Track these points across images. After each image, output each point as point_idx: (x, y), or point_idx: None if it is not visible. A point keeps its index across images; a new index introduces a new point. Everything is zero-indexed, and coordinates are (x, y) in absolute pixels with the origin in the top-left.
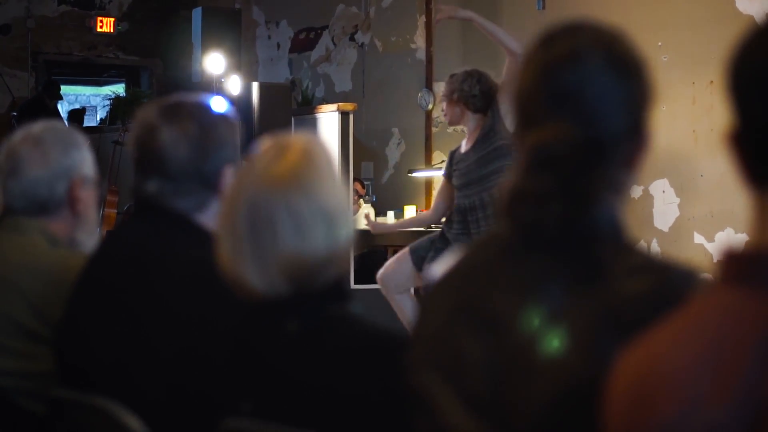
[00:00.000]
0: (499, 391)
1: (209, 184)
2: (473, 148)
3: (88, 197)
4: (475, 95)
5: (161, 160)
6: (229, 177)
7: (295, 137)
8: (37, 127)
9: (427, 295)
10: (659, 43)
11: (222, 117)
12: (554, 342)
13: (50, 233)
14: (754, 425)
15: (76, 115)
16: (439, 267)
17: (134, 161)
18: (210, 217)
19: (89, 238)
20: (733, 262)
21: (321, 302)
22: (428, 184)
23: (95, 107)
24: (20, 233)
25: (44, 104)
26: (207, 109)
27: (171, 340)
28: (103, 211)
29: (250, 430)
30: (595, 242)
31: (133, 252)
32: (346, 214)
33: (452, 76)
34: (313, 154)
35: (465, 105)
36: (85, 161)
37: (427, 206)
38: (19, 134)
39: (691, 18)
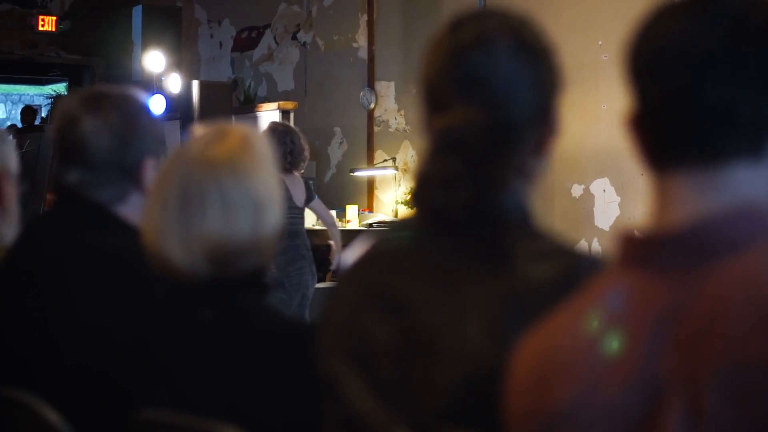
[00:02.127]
0: (406, 376)
1: (130, 174)
2: None
3: (11, 191)
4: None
5: (82, 149)
6: (150, 168)
7: (236, 126)
8: None
9: (337, 281)
10: (599, 42)
11: (144, 108)
12: (460, 326)
13: None
14: (651, 405)
15: (29, 113)
16: (351, 254)
17: (55, 151)
18: (130, 209)
19: (10, 231)
20: (631, 244)
21: (237, 290)
22: (370, 183)
23: (39, 106)
24: None
25: None
26: (129, 99)
27: (87, 329)
28: (43, 209)
29: (164, 421)
30: (502, 227)
31: (51, 243)
32: (275, 206)
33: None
34: (251, 142)
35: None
36: (10, 156)
37: (369, 205)
38: None
39: (630, 16)
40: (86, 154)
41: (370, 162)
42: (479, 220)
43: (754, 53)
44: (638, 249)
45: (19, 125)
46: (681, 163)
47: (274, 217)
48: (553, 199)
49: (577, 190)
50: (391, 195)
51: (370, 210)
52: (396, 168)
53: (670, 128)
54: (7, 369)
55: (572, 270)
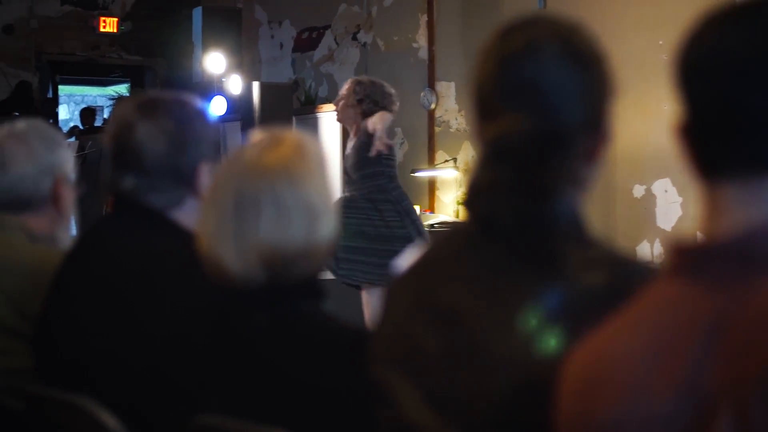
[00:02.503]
0: (456, 384)
1: (185, 180)
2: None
3: (69, 195)
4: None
5: (137, 155)
6: (205, 174)
7: (291, 132)
8: (21, 124)
9: (389, 289)
10: (660, 42)
11: (199, 113)
12: (510, 334)
13: (30, 229)
14: (697, 417)
15: (89, 115)
16: (403, 261)
17: (111, 157)
18: (186, 214)
19: (67, 235)
20: (681, 254)
21: (292, 297)
22: (431, 183)
23: (101, 107)
24: (1, 229)
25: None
26: (184, 105)
27: (146, 335)
28: (106, 210)
29: (220, 426)
30: (553, 235)
31: (108, 248)
32: (330, 213)
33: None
34: (306, 149)
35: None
36: (67, 159)
37: (431, 206)
38: (3, 131)
39: (691, 16)
40: (141, 160)
41: (431, 162)
42: (530, 228)
43: None
44: (687, 259)
45: (81, 126)
46: (729, 173)
47: (328, 224)
48: (615, 199)
49: (638, 191)
50: (452, 196)
51: (432, 211)
52: (457, 168)
53: (718, 138)
54: (65, 373)
55: (623, 278)
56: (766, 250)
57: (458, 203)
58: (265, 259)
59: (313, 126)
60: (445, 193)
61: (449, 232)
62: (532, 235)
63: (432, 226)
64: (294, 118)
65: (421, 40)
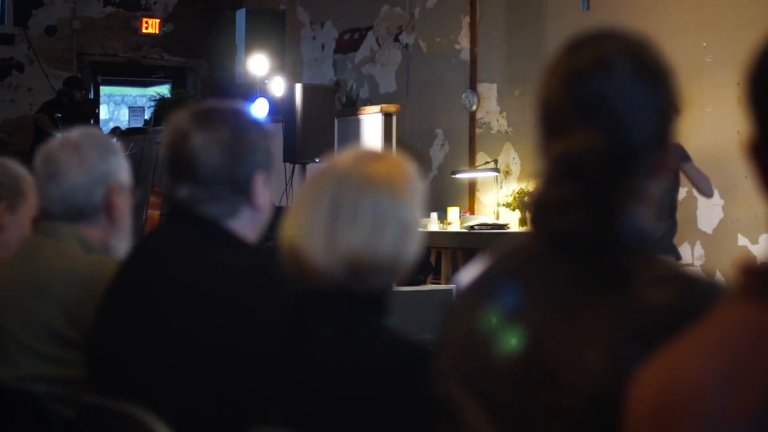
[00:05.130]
0: (525, 401)
1: (241, 190)
2: None
3: (124, 204)
4: None
5: (192, 165)
6: (260, 183)
7: (393, 153)
8: (75, 132)
9: (453, 303)
10: (704, 44)
11: (254, 123)
12: (580, 352)
13: (85, 239)
14: None
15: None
16: (467, 274)
17: (167, 167)
18: (241, 224)
19: (122, 244)
20: (754, 275)
21: (361, 307)
22: (472, 185)
23: (142, 108)
24: (56, 239)
25: (64, 100)
26: (239, 114)
27: (204, 345)
28: (146, 212)
29: None
30: (621, 252)
31: (163, 258)
32: (418, 234)
33: None
34: (408, 170)
35: None
36: (121, 168)
37: (470, 208)
38: (56, 140)
39: (735, 18)
40: (197, 169)
41: (472, 164)
42: (599, 245)
43: None
44: (760, 281)
45: (122, 127)
46: None
47: (415, 243)
48: None
49: (680, 193)
50: (492, 197)
51: (472, 212)
52: (498, 170)
53: None
54: (116, 383)
55: (692, 296)
56: None
57: (499, 205)
58: (352, 263)
59: (355, 127)
60: (486, 195)
61: (511, 247)
62: (602, 253)
63: (472, 227)
64: (336, 120)
65: (464, 41)
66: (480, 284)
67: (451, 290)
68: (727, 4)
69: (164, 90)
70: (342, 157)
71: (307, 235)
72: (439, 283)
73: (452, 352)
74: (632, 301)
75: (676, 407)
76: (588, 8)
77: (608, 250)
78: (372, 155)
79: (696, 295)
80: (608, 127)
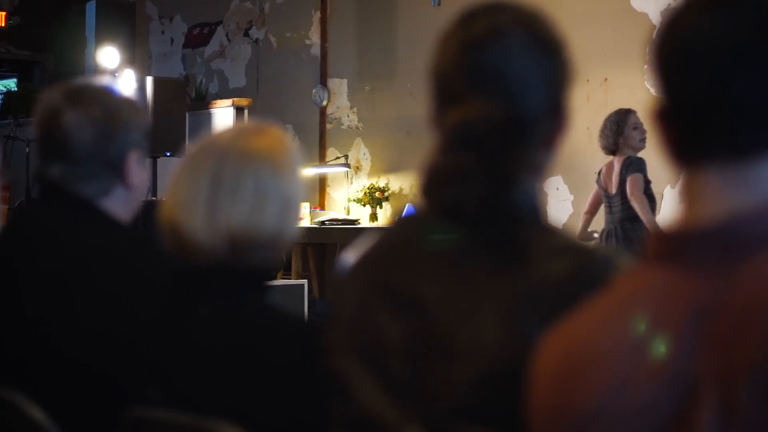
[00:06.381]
0: (420, 373)
1: (114, 168)
2: None
3: None
4: None
5: (64, 143)
6: (134, 162)
7: (273, 125)
8: None
9: (342, 278)
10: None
11: (128, 101)
12: (476, 323)
13: None
14: (682, 405)
15: None
16: (351, 253)
17: (37, 145)
18: (115, 203)
19: None
20: (661, 240)
21: (242, 284)
22: (322, 180)
23: None
24: None
25: None
26: (112, 92)
27: (80, 326)
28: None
29: (158, 419)
30: (516, 223)
31: (35, 239)
32: (299, 209)
33: None
34: (289, 145)
35: None
36: None
37: (321, 203)
38: None
39: (585, 15)
40: (69, 148)
41: (322, 159)
42: (493, 216)
43: None
44: (669, 245)
45: None
46: (711, 159)
47: (296, 219)
48: None
49: None
50: (342, 193)
51: (322, 208)
52: (348, 166)
53: (701, 124)
54: None
55: (588, 266)
56: (752, 234)
57: (349, 200)
58: (233, 240)
59: (206, 121)
60: (336, 190)
61: (402, 219)
62: (495, 223)
63: (323, 222)
64: (187, 114)
65: (314, 36)
66: (370, 258)
67: (302, 285)
68: (577, 1)
69: (11, 84)
70: (223, 131)
71: (187, 210)
72: (290, 279)
73: (344, 327)
74: (528, 272)
75: (581, 372)
76: (439, 4)
77: (502, 220)
78: (253, 129)
79: (592, 266)
80: (502, 97)
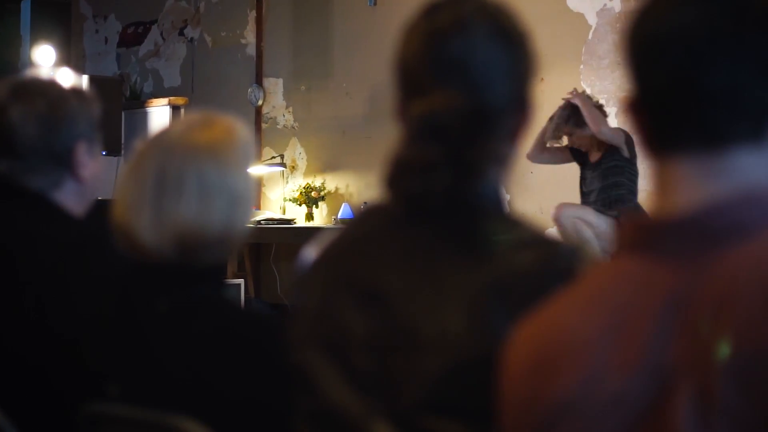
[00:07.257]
0: (385, 366)
1: (62, 161)
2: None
3: None
4: None
5: (10, 139)
6: (83, 154)
7: (224, 116)
8: None
9: (305, 272)
10: None
11: (74, 92)
12: (441, 315)
13: None
14: (658, 393)
15: None
16: (313, 247)
17: None
18: (66, 196)
19: None
20: (634, 230)
21: (197, 282)
22: (257, 180)
23: None
24: None
25: None
26: (57, 85)
27: (24, 325)
28: None
29: (115, 414)
30: (480, 215)
31: None
32: (249, 203)
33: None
34: (236, 135)
35: None
36: None
37: (256, 203)
38: None
39: (521, 15)
40: (13, 142)
41: (258, 159)
42: (458, 207)
43: (757, 37)
44: (641, 235)
45: None
46: (683, 149)
47: (246, 213)
48: None
49: None
50: (278, 192)
51: (257, 207)
52: (284, 165)
53: (672, 113)
54: None
55: (554, 259)
56: (724, 224)
57: (285, 200)
58: (181, 239)
59: (142, 120)
60: (272, 190)
61: (365, 211)
62: (459, 215)
63: (258, 222)
64: (123, 113)
65: (249, 36)
66: (333, 251)
67: (238, 285)
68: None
69: None
70: (172, 125)
71: (135, 211)
72: (226, 278)
73: (307, 320)
74: (494, 264)
75: (554, 363)
76: (375, 4)
77: (467, 212)
78: (201, 122)
79: (558, 258)
80: (467, 88)
